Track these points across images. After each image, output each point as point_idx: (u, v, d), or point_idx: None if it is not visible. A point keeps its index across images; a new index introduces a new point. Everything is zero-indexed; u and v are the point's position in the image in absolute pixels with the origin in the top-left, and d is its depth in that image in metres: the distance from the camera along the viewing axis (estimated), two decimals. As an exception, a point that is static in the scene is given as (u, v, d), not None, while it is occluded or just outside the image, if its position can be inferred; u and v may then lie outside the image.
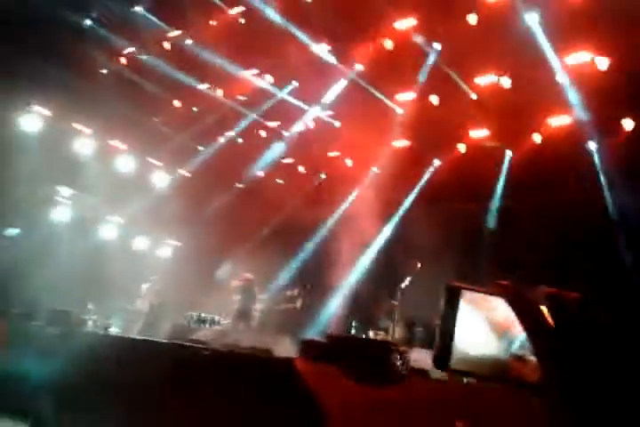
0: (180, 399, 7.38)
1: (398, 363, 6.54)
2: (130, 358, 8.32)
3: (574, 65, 10.33)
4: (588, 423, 0.58)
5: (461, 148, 12.93)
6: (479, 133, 12.60)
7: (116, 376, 7.99)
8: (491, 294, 0.78)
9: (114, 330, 10.25)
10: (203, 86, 14.07)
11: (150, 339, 9.31)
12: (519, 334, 0.74)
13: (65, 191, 13.21)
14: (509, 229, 11.04)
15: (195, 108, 14.55)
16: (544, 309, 0.67)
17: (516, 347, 0.75)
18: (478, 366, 0.77)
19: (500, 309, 0.76)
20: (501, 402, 5.36)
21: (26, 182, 11.04)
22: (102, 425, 7.66)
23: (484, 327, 0.78)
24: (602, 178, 10.99)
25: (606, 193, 10.87)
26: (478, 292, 0.80)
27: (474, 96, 12.06)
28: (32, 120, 12.87)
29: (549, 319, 0.65)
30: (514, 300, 0.70)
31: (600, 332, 0.63)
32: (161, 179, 15.51)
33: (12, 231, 11.83)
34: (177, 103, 14.59)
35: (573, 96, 10.75)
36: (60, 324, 9.59)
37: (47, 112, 13.19)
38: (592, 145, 11.36)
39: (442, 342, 0.78)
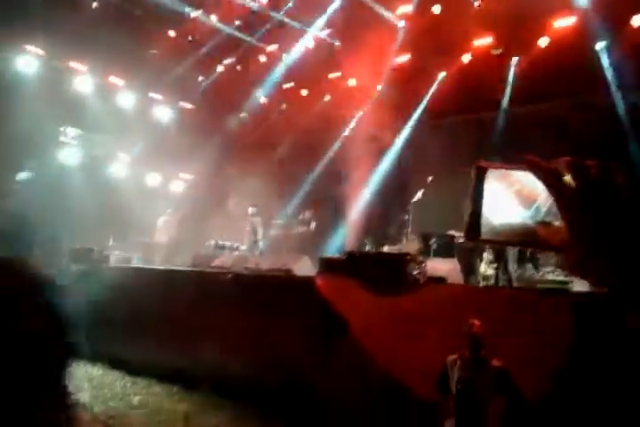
0: (209, 320, 7.79)
1: (415, 271, 6.78)
2: (158, 286, 8.70)
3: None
4: (618, 267, 0.68)
5: (465, 58, 12.56)
6: (483, 42, 12.18)
7: (147, 305, 8.40)
8: (517, 170, 0.84)
9: (136, 263, 10.60)
10: (196, 13, 13.56)
11: (174, 268, 9.67)
12: (545, 203, 0.82)
13: (71, 131, 13.16)
14: (518, 138, 10.93)
15: (191, 38, 14.11)
16: (567, 177, 0.75)
17: (541, 214, 0.82)
18: (507, 235, 0.84)
19: (526, 182, 0.83)
20: (513, 303, 5.61)
21: (30, 125, 10.97)
22: (135, 350, 8.16)
23: (512, 200, 0.85)
24: (611, 79, 10.69)
25: (616, 95, 10.61)
26: (505, 168, 0.86)
27: (476, 3, 11.58)
28: (28, 61, 12.61)
29: (573, 184, 0.73)
30: (540, 170, 0.77)
31: (618, 190, 0.71)
32: (164, 113, 15.35)
33: (23, 175, 11.92)
34: (172, 33, 14.14)
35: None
36: (83, 261, 9.93)
37: (42, 52, 12.88)
38: (600, 45, 10.97)
39: (471, 216, 0.85)
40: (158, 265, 10.25)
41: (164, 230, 11.92)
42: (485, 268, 8.12)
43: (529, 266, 8.20)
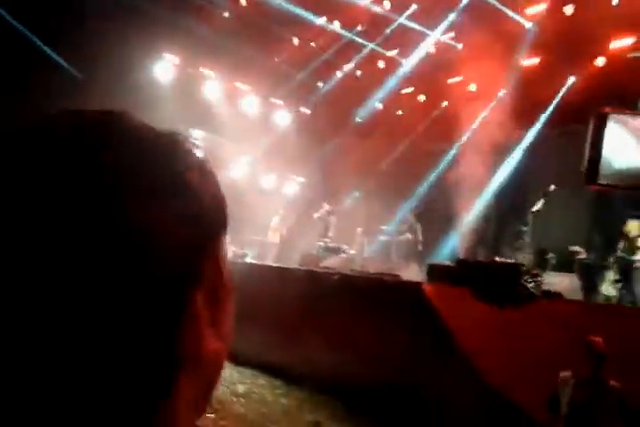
0: (316, 318, 7.91)
1: (529, 285, 6.44)
2: (270, 282, 9.00)
3: None
4: None
5: (600, 61, 11.73)
6: (621, 43, 11.30)
7: (259, 300, 8.72)
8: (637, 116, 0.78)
9: (250, 259, 11.05)
10: (320, 20, 13.92)
11: (286, 266, 9.97)
12: None
13: (198, 134, 14.04)
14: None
15: (313, 44, 14.50)
16: None
17: None
18: (627, 179, 0.78)
19: None
20: (635, 323, 5.13)
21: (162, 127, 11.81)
22: (244, 341, 8.47)
23: (634, 144, 0.79)
24: None
25: None
26: (627, 114, 0.80)
27: (614, 1, 10.76)
28: (165, 67, 13.65)
29: None
30: None
31: None
32: (283, 118, 15.91)
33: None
34: (296, 40, 14.63)
35: None
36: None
37: (176, 59, 13.88)
38: None
39: (590, 162, 0.81)
40: (270, 263, 10.60)
41: (277, 230, 12.36)
42: (608, 287, 7.51)
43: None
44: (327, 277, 8.26)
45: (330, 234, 11.02)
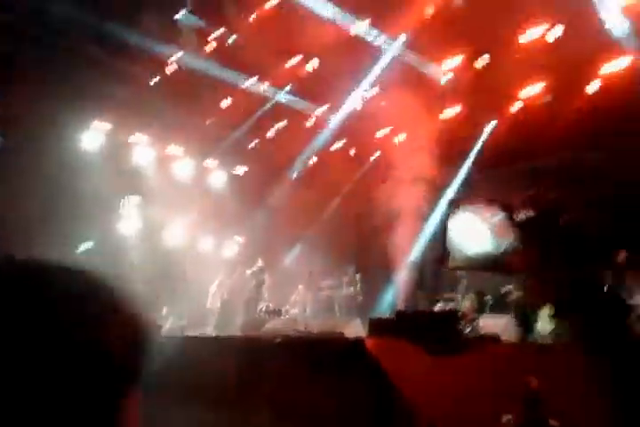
0: (259, 387, 7.59)
1: (467, 330, 6.41)
2: (208, 355, 8.64)
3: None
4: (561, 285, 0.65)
5: (516, 106, 12.42)
6: (533, 90, 12.04)
7: (198, 374, 8.32)
8: (487, 206, 0.73)
9: (189, 331, 10.59)
10: (250, 82, 14.20)
11: (226, 335, 9.62)
12: (511, 234, 0.71)
13: (130, 201, 13.75)
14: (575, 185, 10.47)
15: (241, 106, 14.72)
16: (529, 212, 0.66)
17: (507, 244, 0.72)
18: (475, 262, 0.73)
19: (497, 216, 0.72)
20: (570, 362, 5.14)
21: (92, 196, 11.54)
22: (185, 419, 7.99)
23: (483, 231, 0.75)
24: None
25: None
26: (476, 204, 0.75)
27: (523, 52, 11.49)
28: (94, 135, 13.44)
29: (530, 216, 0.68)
30: (505, 207, 0.72)
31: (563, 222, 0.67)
32: (218, 178, 15.85)
33: (86, 245, 12.39)
34: (225, 102, 14.84)
35: (627, 36, 10.06)
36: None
37: (106, 126, 13.72)
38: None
39: (442, 246, 0.75)
40: (210, 332, 10.23)
41: (216, 294, 11.96)
42: (544, 324, 7.55)
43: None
44: (268, 342, 7.99)
45: (264, 291, 10.77)
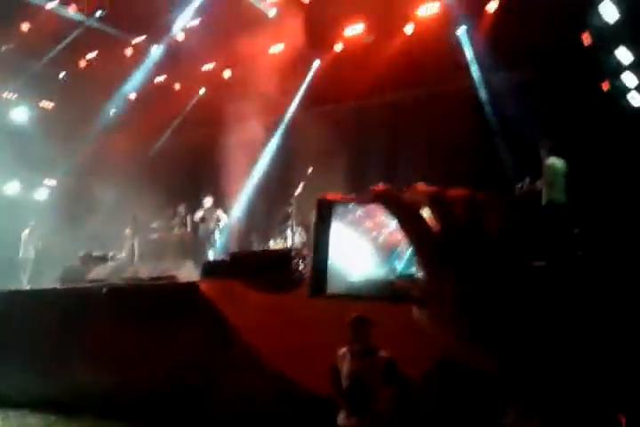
0: (87, 341, 7.19)
1: (300, 267, 6.62)
2: (25, 309, 7.90)
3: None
4: (478, 329, 0.53)
5: (338, 47, 12.60)
6: (354, 30, 12.26)
7: (12, 333, 7.61)
8: (368, 204, 0.58)
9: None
10: (52, 4, 12.43)
11: (43, 287, 8.85)
12: (407, 249, 0.57)
13: None
14: (395, 126, 11.12)
15: (47, 31, 12.87)
16: (427, 212, 0.52)
17: (403, 264, 0.58)
18: (360, 289, 0.59)
19: (383, 223, 0.58)
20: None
21: None
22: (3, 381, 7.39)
23: (367, 245, 0.59)
24: (473, 65, 11.08)
25: (479, 82, 10.97)
26: (358, 202, 0.59)
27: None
28: None
29: (435, 224, 0.54)
30: (391, 206, 0.56)
31: (487, 233, 0.53)
32: (20, 113, 13.93)
33: None
34: (25, 26, 12.88)
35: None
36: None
37: None
38: (461, 31, 11.38)
39: (315, 267, 0.58)
40: (24, 284, 9.33)
41: (29, 244, 10.82)
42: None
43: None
44: (94, 293, 7.52)
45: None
